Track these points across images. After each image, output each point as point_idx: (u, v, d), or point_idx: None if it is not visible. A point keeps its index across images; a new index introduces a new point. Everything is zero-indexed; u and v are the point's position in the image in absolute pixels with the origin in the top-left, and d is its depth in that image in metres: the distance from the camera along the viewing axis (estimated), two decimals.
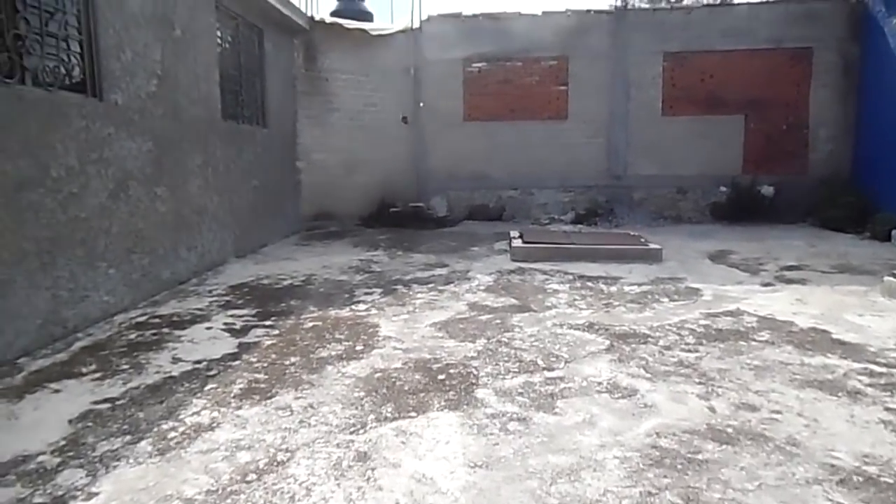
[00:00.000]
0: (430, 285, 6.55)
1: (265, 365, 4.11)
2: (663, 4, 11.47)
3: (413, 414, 3.34)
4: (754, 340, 4.54)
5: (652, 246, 7.98)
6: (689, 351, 4.32)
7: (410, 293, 6.19)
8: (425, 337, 4.72)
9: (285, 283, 6.74)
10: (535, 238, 8.45)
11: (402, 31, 11.85)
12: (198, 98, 6.79)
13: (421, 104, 11.48)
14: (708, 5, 11.39)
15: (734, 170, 11.53)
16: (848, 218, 9.78)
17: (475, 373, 3.94)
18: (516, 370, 3.99)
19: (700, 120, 11.54)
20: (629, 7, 11.56)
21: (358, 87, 11.29)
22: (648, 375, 3.87)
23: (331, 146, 11.02)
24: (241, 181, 8.16)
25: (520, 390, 3.65)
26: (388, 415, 3.33)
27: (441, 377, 3.87)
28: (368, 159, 11.54)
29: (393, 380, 3.83)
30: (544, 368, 4.01)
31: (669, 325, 4.98)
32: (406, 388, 3.71)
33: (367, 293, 6.22)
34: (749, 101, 11.39)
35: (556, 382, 3.77)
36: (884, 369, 3.93)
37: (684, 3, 11.35)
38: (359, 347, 4.48)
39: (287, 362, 4.16)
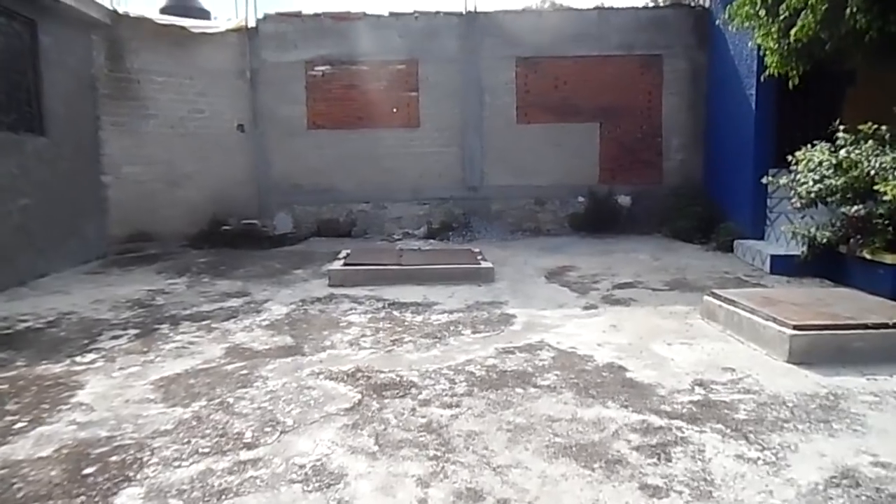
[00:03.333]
0: (205, 322, 5.49)
1: None
2: (515, 7, 10.99)
3: None
4: (534, 386, 3.80)
5: (483, 265, 7.28)
6: (448, 406, 3.51)
7: (170, 335, 5.10)
8: (131, 401, 3.66)
9: (21, 326, 5.46)
10: (359, 259, 7.55)
11: (235, 31, 10.71)
12: None
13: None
14: (558, 9, 10.99)
15: (591, 179, 11.16)
16: (695, 228, 9.55)
17: (146, 458, 2.93)
18: (207, 450, 3.01)
19: (555, 127, 11.10)
20: (479, 10, 10.95)
21: (180, 90, 10.01)
22: (375, 449, 3.00)
23: (147, 157, 9.67)
24: None
25: (185, 486, 2.68)
26: None
27: (90, 470, 2.84)
28: (195, 172, 10.27)
29: (13, 481, 2.75)
30: (245, 446, 3.05)
31: (450, 367, 4.18)
32: (20, 496, 2.64)
33: (115, 337, 5.07)
34: (603, 108, 11.07)
35: (246, 468, 2.83)
36: (663, 421, 3.26)
37: (535, 6, 10.91)
38: (22, 423, 3.36)
39: None
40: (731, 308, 4.92)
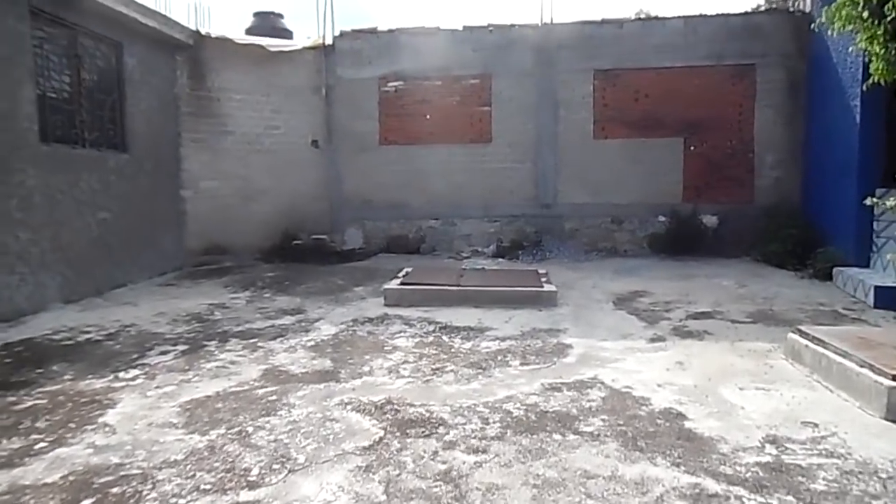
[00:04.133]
0: (253, 340, 5.44)
1: None
2: (594, 18, 10.51)
3: None
4: (575, 432, 3.40)
5: (546, 288, 6.87)
6: (475, 451, 3.18)
7: (215, 353, 5.07)
8: (153, 425, 3.59)
9: (84, 337, 5.62)
10: (418, 278, 7.33)
11: (312, 48, 10.89)
12: None
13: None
14: (640, 19, 10.43)
15: (674, 197, 10.45)
16: (789, 253, 8.66)
17: (145, 493, 2.80)
18: (208, 487, 2.85)
19: (635, 143, 10.50)
20: (555, 22, 10.58)
21: (256, 107, 10.28)
22: (382, 499, 2.73)
23: (224, 172, 9.96)
24: (78, 214, 7.09)
25: None
26: None
27: (87, 503, 2.73)
28: (270, 187, 10.48)
29: None
30: (248, 485, 2.86)
31: (487, 403, 3.84)
32: None
33: (163, 353, 5.10)
34: (688, 122, 10.36)
35: None
36: (720, 487, 2.79)
37: (615, 17, 10.39)
38: (44, 443, 3.34)
39: None
40: (820, 349, 4.28)
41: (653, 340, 5.33)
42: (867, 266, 7.43)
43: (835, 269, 7.57)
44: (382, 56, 10.92)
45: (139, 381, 4.39)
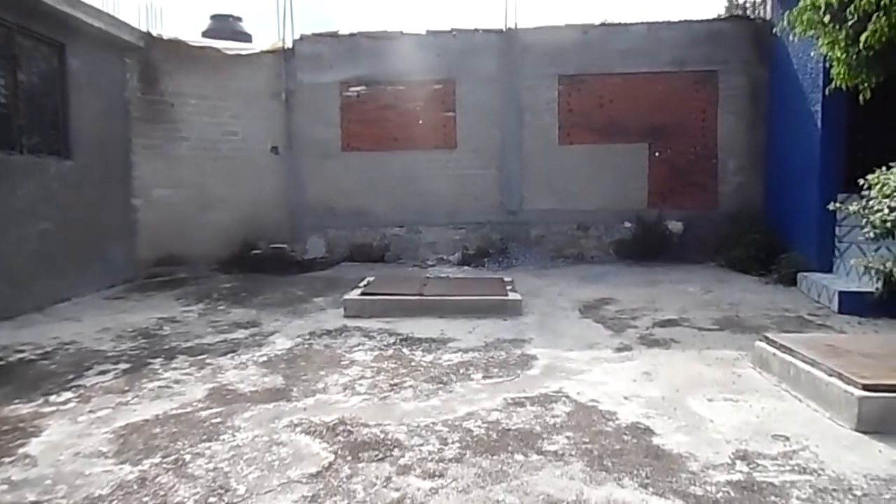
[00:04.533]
0: (201, 357, 5.12)
1: None
2: (558, 23, 10.45)
3: None
4: (538, 452, 3.20)
5: (511, 297, 6.69)
6: (431, 476, 2.95)
7: (159, 371, 4.75)
8: (80, 455, 3.28)
9: (16, 357, 5.23)
10: (379, 288, 7.09)
11: (271, 52, 10.59)
12: None
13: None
14: (605, 24, 10.37)
15: (639, 203, 10.41)
16: (753, 258, 8.66)
17: None
18: None
19: (601, 149, 10.43)
20: (519, 27, 10.47)
21: (213, 113, 9.92)
22: None
23: (179, 180, 9.57)
24: (16, 224, 6.67)
25: None
26: None
27: None
28: (228, 195, 10.12)
29: None
30: None
31: (447, 421, 3.63)
32: None
33: (102, 372, 4.76)
34: (653, 128, 10.34)
35: None
36: None
37: (580, 22, 10.33)
38: None
39: None
40: (788, 358, 4.18)
41: (619, 350, 5.19)
42: (830, 271, 7.43)
43: (799, 275, 7.56)
44: (344, 60, 10.68)
45: (71, 404, 4.05)
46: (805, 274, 7.43)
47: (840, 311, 6.23)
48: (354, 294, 6.87)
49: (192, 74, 9.64)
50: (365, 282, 7.56)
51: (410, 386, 4.31)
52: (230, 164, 10.18)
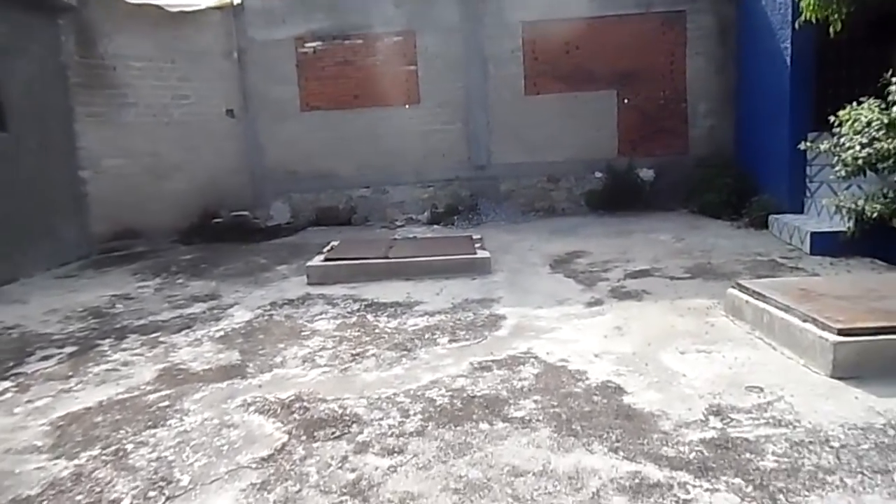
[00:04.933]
0: (154, 335, 4.86)
1: None
2: None
3: None
4: (504, 419, 3.03)
5: (479, 255, 6.48)
6: (390, 452, 2.77)
7: (108, 353, 4.49)
8: (12, 451, 3.04)
9: None
10: (343, 253, 6.83)
11: (218, 8, 9.99)
12: None
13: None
14: None
15: (609, 152, 10.19)
16: (725, 203, 8.55)
17: None
18: None
19: (568, 97, 10.14)
20: None
21: (160, 76, 9.37)
22: None
23: (129, 149, 9.08)
24: None
25: None
26: None
27: None
28: (183, 162, 9.67)
29: None
30: None
31: (409, 392, 3.44)
32: None
33: (46, 357, 4.48)
34: (621, 73, 10.05)
35: None
36: (662, 473, 2.47)
37: None
38: None
39: None
40: (761, 304, 4.05)
41: (590, 304, 5.03)
42: (802, 212, 7.35)
43: (770, 217, 7.47)
44: (297, 14, 10.14)
45: (8, 395, 3.79)
46: (776, 216, 7.34)
47: (812, 253, 6.15)
48: (317, 260, 6.61)
49: (132, 35, 9.05)
50: (329, 247, 7.28)
51: (373, 355, 4.11)
52: (184, 129, 9.69)
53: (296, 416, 3.23)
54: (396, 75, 10.22)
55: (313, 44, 10.20)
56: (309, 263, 6.51)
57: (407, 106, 10.23)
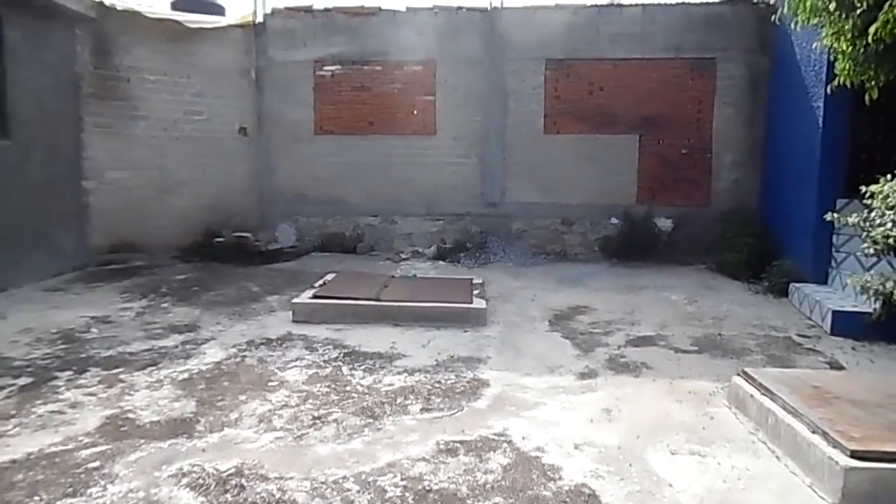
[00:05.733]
0: (116, 371, 4.59)
1: None
2: (546, 3, 9.75)
3: None
4: None
5: (475, 305, 6.13)
6: None
7: (60, 390, 4.23)
8: None
9: None
10: (336, 290, 6.53)
11: (239, 26, 9.90)
12: None
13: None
14: (596, 5, 9.66)
15: (627, 199, 9.80)
16: (745, 264, 8.09)
17: None
18: None
19: (588, 139, 9.80)
20: (505, 6, 9.78)
21: (174, 90, 9.27)
22: None
23: (135, 162, 8.96)
24: None
25: None
26: None
27: None
28: (191, 178, 9.52)
29: None
30: None
31: (362, 475, 3.10)
32: None
33: None
34: (644, 118, 9.70)
35: None
36: None
37: (569, 2, 9.62)
38: None
39: None
40: (767, 402, 3.63)
41: (583, 376, 4.64)
42: (825, 283, 6.87)
43: (791, 285, 7.00)
44: (318, 37, 10.00)
45: None
46: (797, 285, 6.87)
47: (833, 333, 5.68)
48: (306, 296, 6.31)
49: (150, 48, 8.97)
50: (321, 281, 7.00)
51: (335, 420, 3.77)
52: (193, 145, 9.56)
53: (228, 496, 2.90)
54: (413, 104, 9.99)
55: (332, 67, 10.04)
56: (296, 300, 6.21)
57: (422, 136, 9.97)
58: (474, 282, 7.12)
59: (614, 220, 9.78)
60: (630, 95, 9.66)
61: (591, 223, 9.92)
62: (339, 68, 10.03)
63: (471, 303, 6.19)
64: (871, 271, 5.81)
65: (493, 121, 9.90)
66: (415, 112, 9.97)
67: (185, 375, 4.53)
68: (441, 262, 9.34)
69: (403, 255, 9.78)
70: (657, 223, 9.64)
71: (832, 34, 5.23)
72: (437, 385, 4.39)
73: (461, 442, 3.50)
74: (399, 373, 4.64)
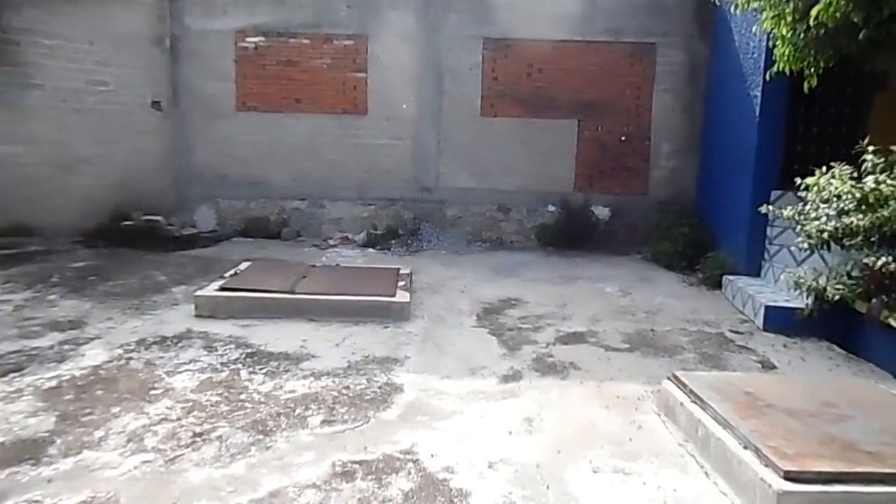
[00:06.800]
0: None
1: None
2: None
3: None
4: None
5: (398, 299, 5.69)
6: None
7: None
8: None
9: None
10: (248, 281, 5.97)
11: None
12: None
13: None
14: None
15: (565, 186, 9.53)
16: (680, 254, 7.94)
17: None
18: None
19: (526, 123, 9.45)
20: None
21: (75, 57, 8.38)
22: None
23: (30, 136, 8.07)
24: None
25: None
26: None
27: None
28: (95, 155, 8.68)
29: None
30: None
31: None
32: None
33: None
34: (583, 103, 9.41)
35: None
36: None
37: None
38: None
39: None
40: (697, 412, 3.35)
41: (506, 379, 4.28)
42: (758, 275, 6.75)
43: (724, 278, 6.86)
44: (240, 6, 9.26)
45: None
46: (731, 277, 6.73)
47: (765, 328, 5.51)
48: (212, 288, 5.73)
49: (44, 10, 8.05)
50: (233, 270, 6.42)
51: (219, 438, 3.28)
52: (98, 118, 8.70)
53: None
54: (344, 82, 9.40)
55: (255, 39, 9.32)
56: (200, 292, 5.62)
57: (353, 115, 9.41)
58: (401, 272, 6.69)
59: (552, 208, 9.49)
60: (569, 79, 9.36)
61: (528, 210, 9.62)
62: (264, 40, 9.32)
63: (394, 296, 5.74)
64: (804, 265, 5.68)
65: (428, 101, 9.43)
66: (344, 90, 9.38)
67: (53, 383, 3.93)
68: (371, 250, 8.85)
69: (331, 242, 9.24)
70: (595, 211, 9.41)
71: (772, 17, 4.99)
72: (344, 392, 3.95)
73: (360, 462, 3.07)
74: (304, 377, 4.17)
